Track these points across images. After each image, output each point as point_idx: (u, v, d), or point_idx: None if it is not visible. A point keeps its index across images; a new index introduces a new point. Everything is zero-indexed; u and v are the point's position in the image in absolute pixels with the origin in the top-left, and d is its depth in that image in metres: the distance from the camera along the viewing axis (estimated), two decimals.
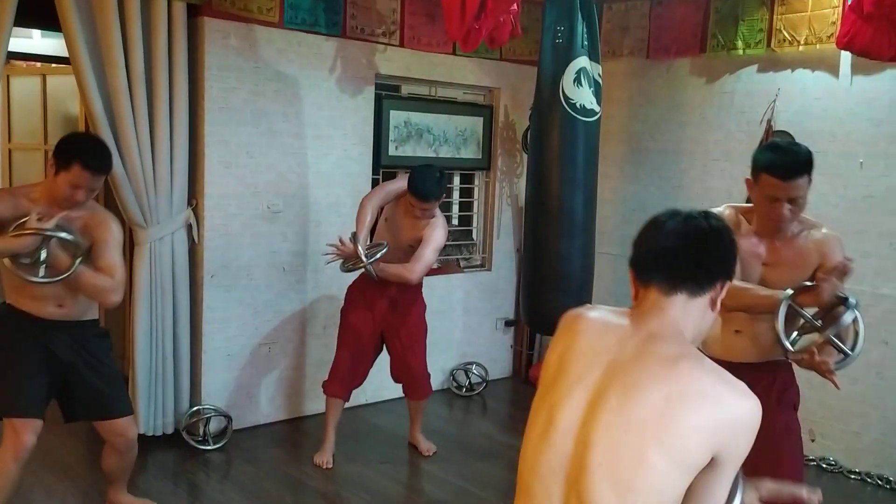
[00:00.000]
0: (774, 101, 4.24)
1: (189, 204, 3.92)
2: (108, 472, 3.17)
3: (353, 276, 3.90)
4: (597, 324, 1.53)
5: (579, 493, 1.36)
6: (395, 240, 3.78)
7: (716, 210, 2.53)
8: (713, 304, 1.48)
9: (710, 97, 4.58)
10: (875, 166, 3.92)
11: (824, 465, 4.07)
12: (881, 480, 3.90)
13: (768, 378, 2.42)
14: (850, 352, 2.30)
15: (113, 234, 2.87)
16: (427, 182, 3.63)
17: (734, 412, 1.33)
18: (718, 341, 2.47)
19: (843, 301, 2.29)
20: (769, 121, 4.24)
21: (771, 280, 2.39)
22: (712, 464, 1.33)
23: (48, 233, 2.65)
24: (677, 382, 1.33)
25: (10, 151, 4.90)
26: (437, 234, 3.72)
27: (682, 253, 1.46)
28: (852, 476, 3.98)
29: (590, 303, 4.45)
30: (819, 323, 2.31)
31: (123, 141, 3.63)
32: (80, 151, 2.73)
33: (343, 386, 3.86)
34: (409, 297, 3.89)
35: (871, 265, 3.91)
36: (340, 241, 3.67)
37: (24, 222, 2.66)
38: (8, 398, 2.77)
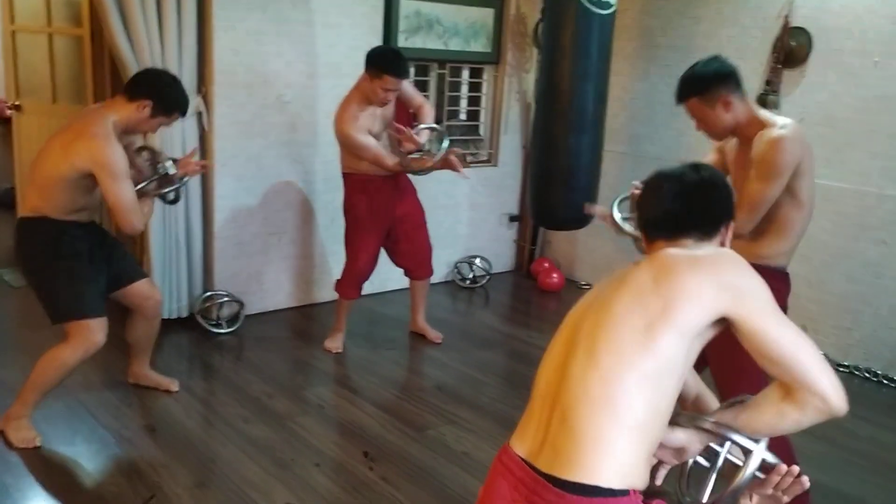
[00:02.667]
0: None
1: (198, 91, 3.91)
2: (135, 342, 3.31)
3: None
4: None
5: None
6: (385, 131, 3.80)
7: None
8: (722, 245, 1.62)
9: None
10: (890, 66, 3.88)
11: None
12: (869, 373, 4.06)
13: None
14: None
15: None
16: (401, 61, 3.57)
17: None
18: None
19: None
20: (786, 16, 4.16)
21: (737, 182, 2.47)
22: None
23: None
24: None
25: (13, 34, 4.82)
26: (414, 90, 3.88)
27: (682, 211, 1.58)
28: (840, 368, 4.13)
29: (596, 199, 4.50)
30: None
31: (131, 25, 3.58)
32: (184, 103, 3.00)
33: (359, 288, 3.94)
34: (408, 182, 3.96)
35: (878, 165, 3.93)
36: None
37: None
38: (81, 302, 2.88)
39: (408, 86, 3.83)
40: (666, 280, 1.46)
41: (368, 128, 3.65)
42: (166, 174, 3.03)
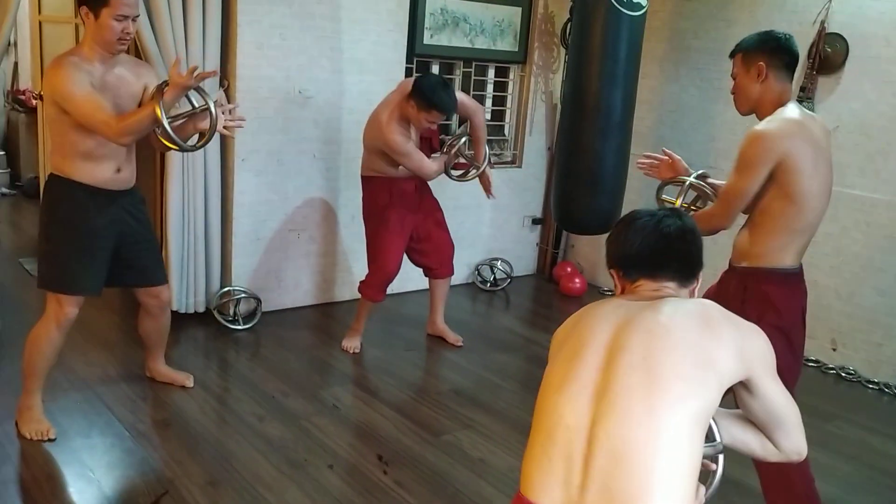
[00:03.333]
0: (830, 1, 4.04)
1: (221, 85, 3.88)
2: (145, 336, 3.29)
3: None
4: (599, 306, 1.59)
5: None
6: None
7: None
8: (692, 295, 1.63)
9: None
10: None
11: (843, 374, 4.12)
12: None
13: (741, 286, 2.37)
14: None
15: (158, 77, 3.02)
16: (450, 98, 3.54)
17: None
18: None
19: None
20: (822, 22, 4.06)
21: None
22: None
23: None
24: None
25: (40, 24, 4.83)
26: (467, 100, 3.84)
27: (666, 251, 1.57)
28: (870, 386, 4.03)
29: (621, 204, 4.43)
30: None
31: (156, 18, 3.56)
32: None
33: (384, 291, 3.88)
34: (427, 188, 3.94)
35: None
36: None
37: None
38: (68, 276, 2.83)
39: (466, 98, 3.83)
40: (710, 330, 1.44)
41: (408, 135, 3.65)
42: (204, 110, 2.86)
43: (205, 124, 2.89)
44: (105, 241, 2.88)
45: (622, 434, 1.32)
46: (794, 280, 2.39)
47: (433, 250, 3.95)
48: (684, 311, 1.46)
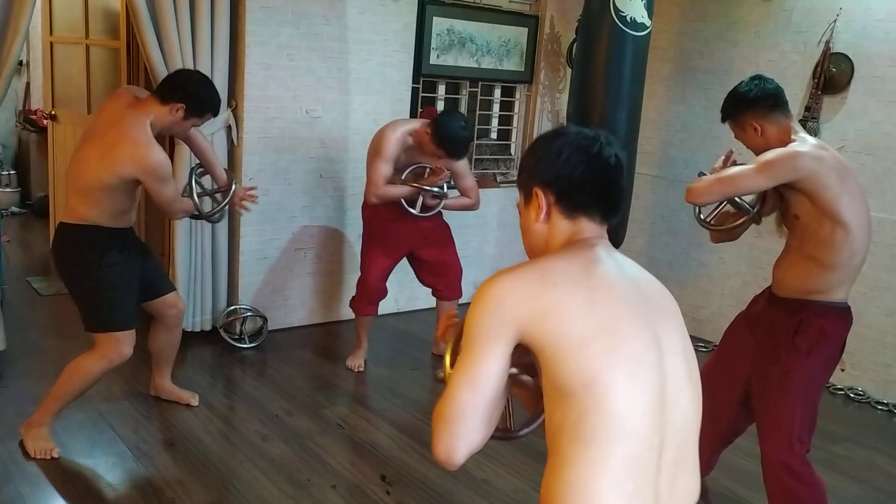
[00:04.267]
0: (835, 21, 4.05)
1: (229, 105, 3.91)
2: (157, 352, 3.30)
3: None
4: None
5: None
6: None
7: None
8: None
9: (766, 15, 4.38)
10: None
11: (852, 395, 4.08)
12: None
13: (790, 316, 2.39)
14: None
15: None
16: (463, 144, 3.57)
17: None
18: (773, 274, 2.52)
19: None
20: (827, 42, 4.06)
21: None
22: None
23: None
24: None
25: (51, 45, 4.89)
26: (463, 163, 3.80)
27: (614, 189, 1.35)
28: (879, 407, 3.99)
29: (626, 222, 4.42)
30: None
31: (165, 38, 3.60)
32: (216, 105, 3.00)
33: (372, 303, 3.91)
34: (435, 220, 3.92)
35: None
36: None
37: None
38: (117, 313, 2.89)
39: (462, 166, 3.81)
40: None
41: (398, 155, 3.64)
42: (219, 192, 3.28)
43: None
44: (134, 274, 2.98)
45: (686, 437, 1.29)
46: (846, 315, 2.43)
47: (439, 272, 3.95)
48: (648, 283, 1.35)
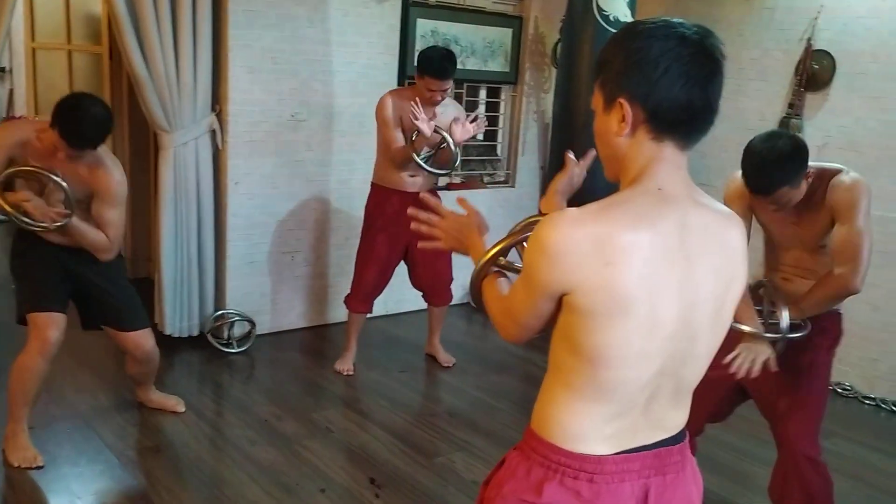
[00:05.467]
0: (816, 18, 4.07)
1: (213, 109, 3.90)
2: (133, 376, 3.29)
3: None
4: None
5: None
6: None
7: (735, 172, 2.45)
8: None
9: (749, 13, 4.40)
10: None
11: (840, 390, 4.10)
12: (895, 407, 3.93)
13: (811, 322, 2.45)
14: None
15: (114, 188, 2.84)
16: (445, 62, 3.50)
17: None
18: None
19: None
20: (809, 39, 4.08)
21: (803, 237, 2.45)
22: None
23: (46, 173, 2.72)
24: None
25: (33, 51, 4.86)
26: (461, 111, 3.75)
27: (710, 112, 1.23)
28: (867, 402, 4.01)
29: None
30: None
31: (146, 42, 3.58)
32: (64, 121, 2.65)
33: (367, 302, 3.90)
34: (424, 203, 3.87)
35: None
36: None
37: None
38: (29, 296, 2.87)
39: (453, 110, 3.75)
40: None
41: (400, 115, 3.61)
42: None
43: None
44: (51, 266, 2.89)
45: (693, 373, 1.33)
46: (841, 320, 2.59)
47: (429, 278, 3.94)
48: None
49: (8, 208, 2.71)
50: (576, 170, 1.65)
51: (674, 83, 1.17)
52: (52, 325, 2.83)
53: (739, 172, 2.35)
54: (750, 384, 2.46)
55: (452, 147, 3.59)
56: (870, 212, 2.31)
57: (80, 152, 2.70)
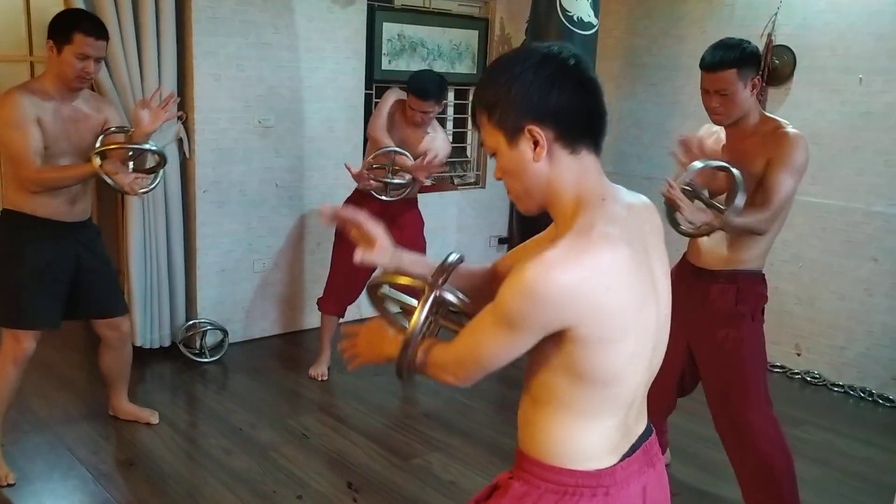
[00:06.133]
0: (776, 14, 4.14)
1: (179, 118, 3.87)
2: (106, 372, 3.24)
3: (346, 193, 3.87)
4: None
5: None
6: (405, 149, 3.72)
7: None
8: None
9: (710, 10, 4.47)
10: (874, 82, 3.87)
11: (808, 379, 4.17)
12: (863, 393, 4.00)
13: (725, 288, 2.51)
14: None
15: (120, 113, 3.01)
16: (427, 82, 3.54)
17: None
18: (690, 245, 2.61)
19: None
20: (770, 34, 4.15)
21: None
22: None
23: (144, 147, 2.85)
24: None
25: None
26: (439, 145, 3.70)
27: (604, 113, 1.28)
28: (835, 389, 4.09)
29: None
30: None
31: (110, 51, 3.52)
32: (78, 19, 2.72)
33: (338, 304, 3.90)
34: (409, 215, 3.88)
35: (865, 182, 3.91)
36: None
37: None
38: (18, 312, 2.79)
39: (438, 137, 3.75)
40: None
41: (392, 115, 3.68)
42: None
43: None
44: (60, 274, 2.86)
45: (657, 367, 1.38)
46: (765, 279, 2.59)
47: None
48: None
49: (109, 181, 2.77)
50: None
51: (573, 96, 1.21)
52: (32, 338, 2.81)
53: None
54: (692, 348, 2.58)
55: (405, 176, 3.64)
56: (804, 170, 2.39)
57: (104, 46, 2.75)
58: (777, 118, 2.49)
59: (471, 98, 1.30)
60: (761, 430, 2.48)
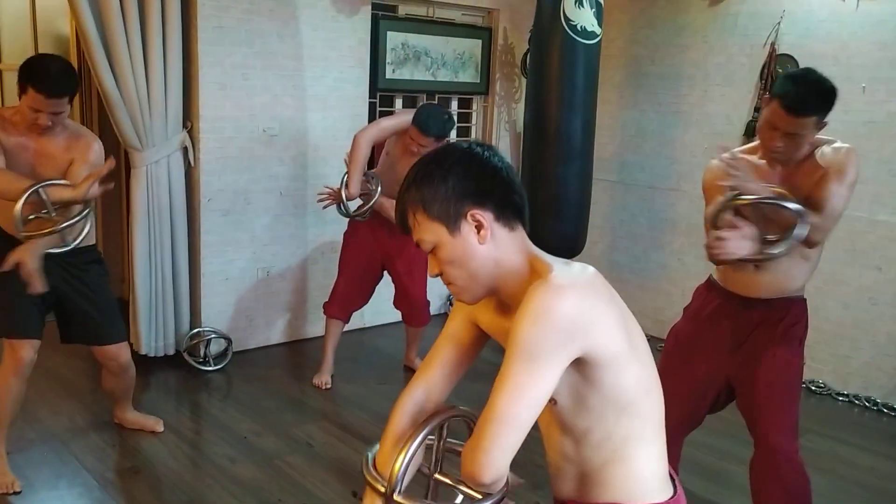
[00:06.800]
0: (779, 23, 4.16)
1: (184, 126, 3.89)
2: (109, 392, 3.26)
3: (354, 204, 3.88)
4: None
5: None
6: (393, 175, 3.72)
7: (713, 160, 2.44)
8: None
9: (713, 19, 4.49)
10: (877, 91, 3.88)
11: (813, 388, 4.16)
12: (868, 402, 4.00)
13: (779, 314, 2.46)
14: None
15: (94, 156, 2.79)
16: (434, 117, 3.53)
17: None
18: (738, 278, 2.48)
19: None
20: (773, 44, 4.17)
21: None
22: None
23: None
24: None
25: (0, 72, 4.81)
26: None
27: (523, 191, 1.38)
28: (840, 398, 4.08)
29: (586, 228, 4.47)
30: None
31: (116, 60, 3.57)
32: (33, 74, 2.59)
33: (343, 308, 3.91)
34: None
35: (869, 191, 3.92)
36: (330, 189, 3.74)
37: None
38: (7, 323, 2.80)
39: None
40: None
41: (390, 136, 3.72)
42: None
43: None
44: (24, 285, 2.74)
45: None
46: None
47: (404, 299, 3.98)
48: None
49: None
50: None
51: (501, 178, 1.31)
52: (27, 346, 2.80)
53: (714, 160, 2.40)
54: (735, 376, 2.50)
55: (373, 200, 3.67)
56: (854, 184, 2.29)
57: (60, 102, 2.62)
58: (821, 136, 2.35)
59: (397, 207, 1.37)
60: (790, 457, 2.44)
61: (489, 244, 1.30)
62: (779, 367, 2.45)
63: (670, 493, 1.38)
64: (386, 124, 3.71)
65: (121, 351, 3.07)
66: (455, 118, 5.25)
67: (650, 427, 1.35)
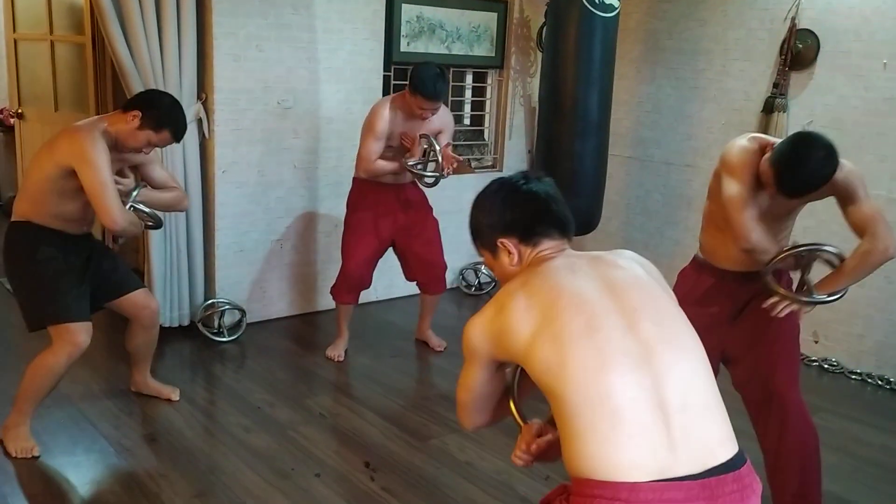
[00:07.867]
0: None
1: (198, 98, 3.88)
2: (134, 351, 3.29)
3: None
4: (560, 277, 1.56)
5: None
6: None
7: (740, 140, 2.44)
8: None
9: None
10: None
11: (826, 366, 4.15)
12: (881, 381, 3.99)
13: (774, 277, 2.50)
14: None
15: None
16: (435, 81, 3.50)
17: None
18: (728, 255, 2.53)
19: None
20: (793, 18, 4.11)
21: (785, 207, 2.50)
22: None
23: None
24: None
25: (15, 42, 4.81)
26: (449, 119, 3.82)
27: (555, 209, 1.63)
28: (853, 377, 4.07)
29: (601, 204, 4.45)
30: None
31: (130, 32, 3.56)
32: (178, 121, 2.90)
33: (351, 292, 3.91)
34: (421, 196, 3.91)
35: (888, 169, 3.88)
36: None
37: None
38: (59, 305, 2.84)
39: (443, 117, 3.78)
40: (657, 278, 1.63)
41: (392, 129, 3.65)
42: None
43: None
44: (75, 272, 2.91)
45: (688, 386, 1.42)
46: None
47: (422, 268, 3.95)
48: (631, 260, 1.65)
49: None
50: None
51: (524, 207, 1.62)
52: (84, 332, 2.86)
53: (742, 140, 2.41)
54: (733, 345, 2.56)
55: (440, 158, 3.66)
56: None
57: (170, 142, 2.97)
58: None
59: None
60: (800, 409, 2.50)
61: (517, 264, 1.62)
62: (782, 321, 2.48)
63: (629, 477, 1.33)
64: (380, 123, 3.62)
65: (150, 297, 3.22)
66: (470, 92, 5.24)
67: (588, 412, 1.38)
